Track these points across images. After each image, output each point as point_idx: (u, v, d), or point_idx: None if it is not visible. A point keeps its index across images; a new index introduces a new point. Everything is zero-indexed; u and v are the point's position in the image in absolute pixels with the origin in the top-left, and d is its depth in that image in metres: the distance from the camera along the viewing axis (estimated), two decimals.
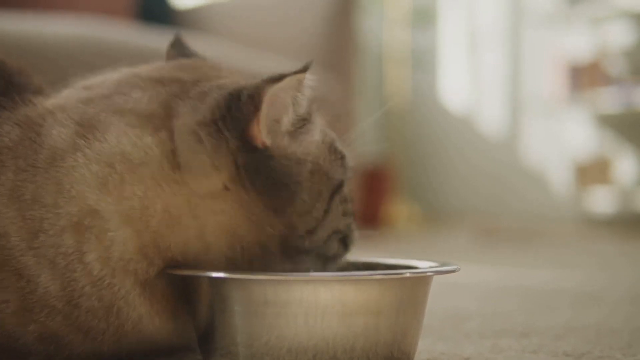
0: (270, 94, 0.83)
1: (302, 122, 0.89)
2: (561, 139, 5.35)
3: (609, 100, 4.88)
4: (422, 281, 0.90)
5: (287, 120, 0.88)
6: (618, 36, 5.03)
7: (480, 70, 5.79)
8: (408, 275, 0.89)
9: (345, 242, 0.96)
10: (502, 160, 5.65)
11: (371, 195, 4.20)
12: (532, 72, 5.50)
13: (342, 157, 0.94)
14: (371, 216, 4.38)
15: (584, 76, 5.06)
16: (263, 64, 2.35)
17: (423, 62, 5.88)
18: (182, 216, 0.85)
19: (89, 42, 1.98)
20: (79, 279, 0.85)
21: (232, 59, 2.28)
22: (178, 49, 1.07)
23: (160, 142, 0.86)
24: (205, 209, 0.85)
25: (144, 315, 0.87)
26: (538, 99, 5.37)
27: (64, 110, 0.92)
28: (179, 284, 0.89)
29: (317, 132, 0.91)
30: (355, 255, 1.03)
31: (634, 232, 4.46)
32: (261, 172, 0.85)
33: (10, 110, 0.92)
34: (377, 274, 0.89)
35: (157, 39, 2.18)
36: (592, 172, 5.09)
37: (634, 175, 5.05)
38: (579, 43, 5.18)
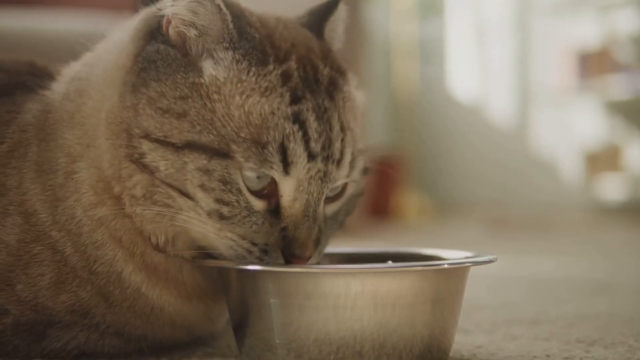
0: None
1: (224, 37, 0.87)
2: (570, 127, 5.33)
3: (618, 87, 4.86)
4: (460, 272, 0.88)
5: (191, 18, 0.87)
6: (626, 23, 5.01)
7: (488, 61, 5.77)
8: (446, 266, 0.87)
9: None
10: (511, 150, 5.63)
11: (381, 187, 4.20)
12: (541, 61, 5.48)
13: (257, 144, 0.84)
14: (381, 208, 4.38)
15: (593, 64, 5.04)
16: None
17: (431, 53, 5.87)
18: (98, 127, 0.89)
19: (95, 37, 1.98)
20: (86, 243, 0.90)
21: None
22: None
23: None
24: (104, 100, 0.89)
25: (143, 285, 0.92)
26: (547, 88, 5.36)
27: (64, 73, 0.99)
28: (206, 273, 0.93)
29: (223, 70, 0.86)
30: (373, 246, 1.03)
31: None
32: (150, 58, 0.87)
33: (37, 90, 1.00)
34: (414, 265, 0.88)
35: None
36: (602, 159, 5.08)
37: None
38: (587, 31, 5.15)
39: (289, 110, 0.84)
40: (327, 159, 0.86)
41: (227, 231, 0.85)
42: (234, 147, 0.83)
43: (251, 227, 0.85)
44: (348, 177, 0.90)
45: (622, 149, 5.06)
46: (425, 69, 5.80)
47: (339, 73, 0.93)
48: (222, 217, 0.84)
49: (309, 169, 0.84)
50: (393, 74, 5.56)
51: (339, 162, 0.87)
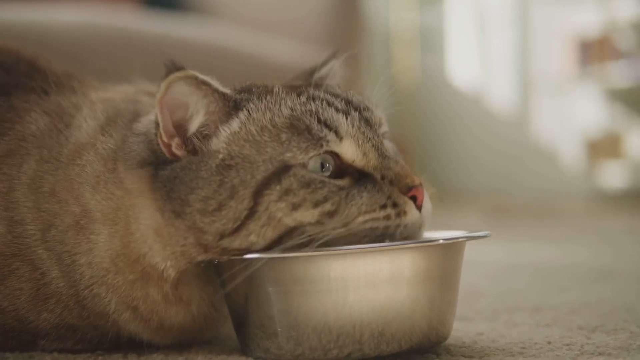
0: (163, 103, 0.84)
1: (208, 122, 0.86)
2: (571, 115, 5.33)
3: (619, 74, 4.85)
4: (457, 248, 0.89)
5: (190, 123, 0.86)
6: (626, 10, 4.99)
7: (488, 49, 5.76)
8: (442, 242, 0.87)
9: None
10: (512, 138, 5.63)
11: None
12: (541, 48, 5.47)
13: (293, 134, 0.85)
14: None
15: (593, 51, 5.03)
16: (270, 47, 2.34)
17: (431, 42, 5.86)
18: (136, 223, 0.86)
19: (97, 29, 1.98)
20: (80, 280, 0.87)
21: (239, 42, 2.27)
22: None
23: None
24: (139, 217, 0.86)
25: (141, 333, 0.90)
26: (547, 76, 5.35)
27: (105, 102, 0.96)
28: (220, 303, 0.91)
29: (236, 123, 0.86)
30: None
31: None
32: (170, 178, 0.85)
33: (39, 94, 0.96)
34: (411, 243, 0.87)
35: (164, 25, 2.18)
36: (603, 147, 5.07)
37: None
38: (588, 18, 5.14)
39: (301, 99, 0.87)
40: (358, 110, 0.89)
41: (353, 218, 0.83)
42: (288, 155, 0.83)
43: (362, 197, 0.84)
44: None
45: (623, 136, 5.06)
46: (425, 58, 5.79)
47: (324, 83, 0.96)
48: (331, 214, 0.82)
49: (352, 123, 0.87)
50: (393, 62, 5.55)
51: (368, 109, 0.91)
